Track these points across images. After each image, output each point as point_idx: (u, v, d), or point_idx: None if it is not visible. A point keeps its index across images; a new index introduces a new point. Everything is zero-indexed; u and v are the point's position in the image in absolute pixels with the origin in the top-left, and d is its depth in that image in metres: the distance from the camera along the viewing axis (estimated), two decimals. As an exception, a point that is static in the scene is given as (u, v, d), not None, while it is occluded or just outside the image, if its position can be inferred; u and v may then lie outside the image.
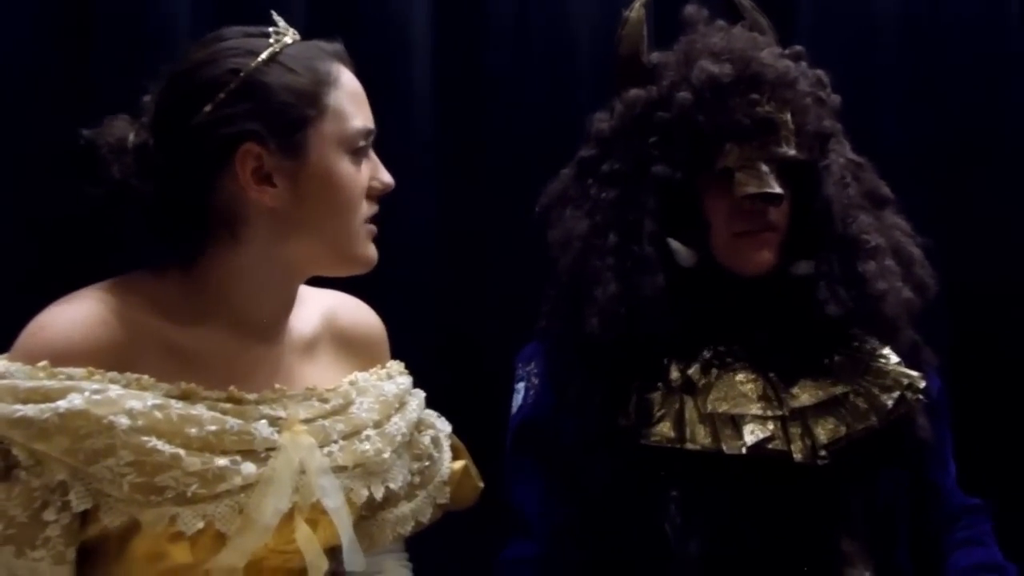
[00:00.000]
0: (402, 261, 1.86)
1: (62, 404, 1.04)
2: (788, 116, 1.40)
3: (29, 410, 1.04)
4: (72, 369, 1.07)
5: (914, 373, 1.42)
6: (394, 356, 1.41)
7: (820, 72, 1.51)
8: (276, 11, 1.77)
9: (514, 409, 1.54)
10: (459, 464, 1.42)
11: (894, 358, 1.44)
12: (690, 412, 1.38)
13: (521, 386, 1.54)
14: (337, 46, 1.22)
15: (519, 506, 1.50)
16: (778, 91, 1.40)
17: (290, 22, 1.24)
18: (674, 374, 1.40)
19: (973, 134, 2.14)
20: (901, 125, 2.11)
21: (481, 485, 1.44)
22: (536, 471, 1.49)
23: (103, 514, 1.08)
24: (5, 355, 1.11)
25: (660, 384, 1.40)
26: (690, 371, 1.40)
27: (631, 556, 1.38)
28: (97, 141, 1.19)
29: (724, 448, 1.35)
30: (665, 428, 1.37)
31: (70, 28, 1.78)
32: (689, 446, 1.36)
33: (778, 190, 1.37)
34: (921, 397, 1.42)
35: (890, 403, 1.40)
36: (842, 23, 2.13)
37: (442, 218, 1.98)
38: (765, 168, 1.38)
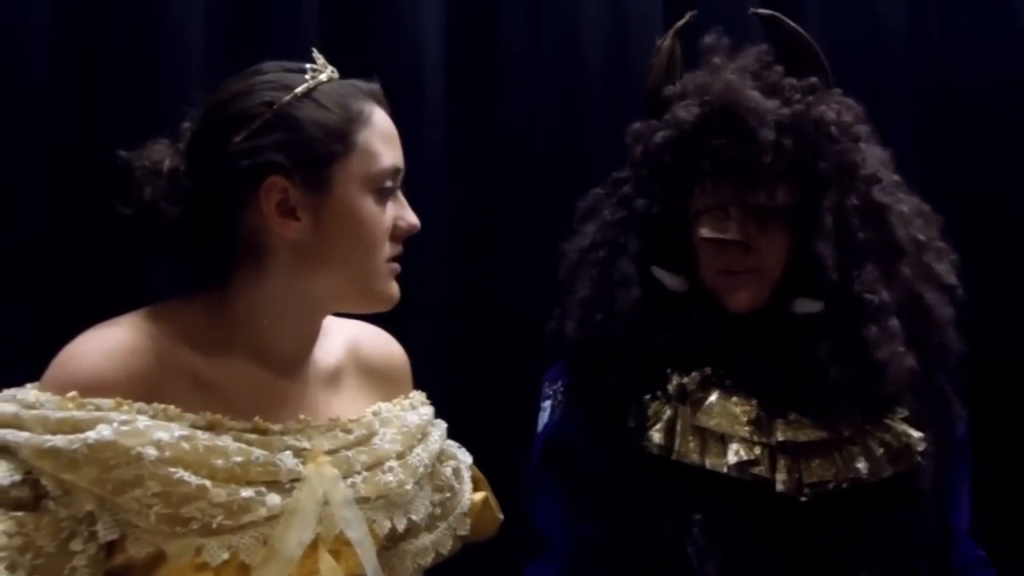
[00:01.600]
0: (423, 284, 1.88)
1: (91, 435, 1.05)
2: (769, 159, 1.36)
3: (59, 441, 1.05)
4: (101, 400, 1.08)
5: (916, 434, 1.38)
6: (417, 379, 1.42)
7: (827, 109, 1.40)
8: (289, 32, 1.84)
9: (540, 427, 1.55)
10: (479, 495, 1.42)
11: (903, 411, 1.40)
12: (682, 423, 1.39)
13: (547, 404, 1.55)
14: (374, 86, 1.23)
15: (541, 524, 1.51)
16: (754, 134, 1.35)
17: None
18: (673, 383, 1.42)
19: (986, 148, 2.15)
20: (913, 142, 2.11)
21: (501, 517, 1.45)
22: (559, 489, 1.50)
23: (129, 544, 1.08)
24: (35, 384, 1.12)
25: (660, 393, 1.42)
26: (686, 380, 1.41)
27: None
28: (133, 163, 1.20)
29: (707, 463, 1.36)
30: (657, 435, 1.39)
31: (84, 54, 1.81)
32: (676, 457, 1.37)
33: (734, 237, 1.37)
34: (920, 460, 1.38)
35: (884, 462, 1.36)
36: (850, 39, 2.14)
37: (461, 239, 2.00)
38: (732, 212, 1.38)
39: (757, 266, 1.40)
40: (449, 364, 1.92)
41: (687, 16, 1.52)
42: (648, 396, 1.42)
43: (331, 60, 1.24)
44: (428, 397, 1.42)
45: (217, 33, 1.86)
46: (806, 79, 1.43)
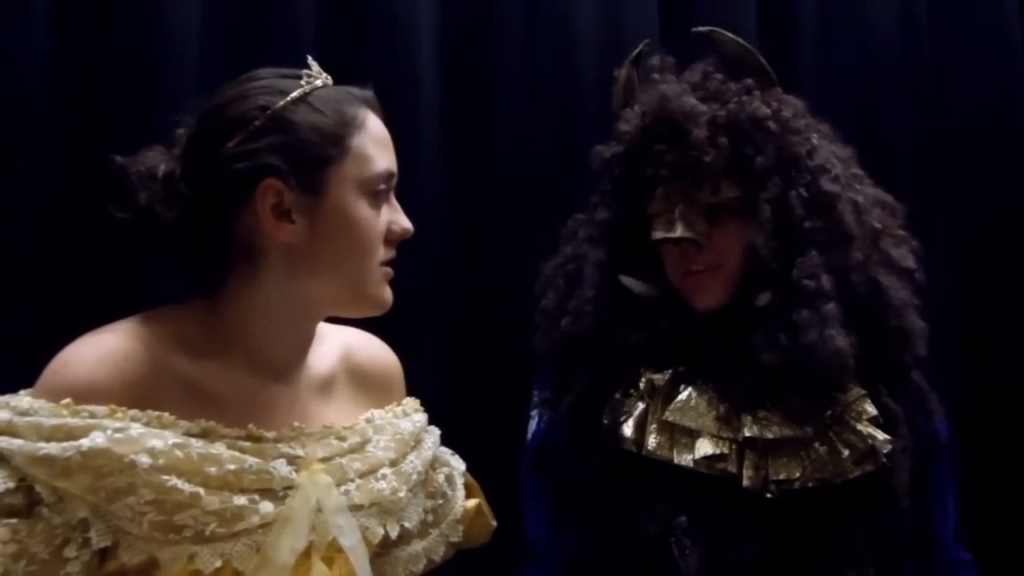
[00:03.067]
0: (418, 290, 1.89)
1: (85, 442, 1.05)
2: (709, 158, 1.40)
3: (52, 448, 1.05)
4: (95, 407, 1.08)
5: (881, 436, 1.38)
6: (412, 385, 1.42)
7: (760, 106, 1.43)
8: (285, 42, 1.84)
9: (529, 436, 1.56)
10: (472, 502, 1.43)
11: (870, 411, 1.40)
12: (652, 418, 1.41)
13: (536, 413, 1.56)
14: (368, 93, 1.24)
15: (531, 532, 1.51)
16: (691, 136, 1.41)
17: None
18: (643, 381, 1.44)
19: (980, 160, 2.17)
20: (907, 156, 2.14)
21: (494, 524, 1.45)
22: (548, 497, 1.50)
23: (122, 552, 1.08)
24: (29, 391, 1.12)
25: (633, 391, 1.44)
26: (655, 377, 1.44)
27: None
28: (128, 168, 1.21)
29: (674, 458, 1.37)
30: (628, 429, 1.41)
31: (83, 65, 1.81)
32: (646, 453, 1.38)
33: (681, 234, 1.41)
34: (885, 461, 1.37)
35: (848, 464, 1.36)
36: (842, 57, 2.17)
37: (456, 246, 2.00)
38: (680, 212, 1.42)
39: (717, 262, 1.43)
40: (444, 371, 1.92)
41: (640, 45, 1.57)
42: (620, 395, 1.44)
43: (327, 68, 1.25)
44: (422, 404, 1.42)
45: (214, 42, 1.86)
46: (742, 81, 1.47)
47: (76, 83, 1.79)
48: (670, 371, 1.44)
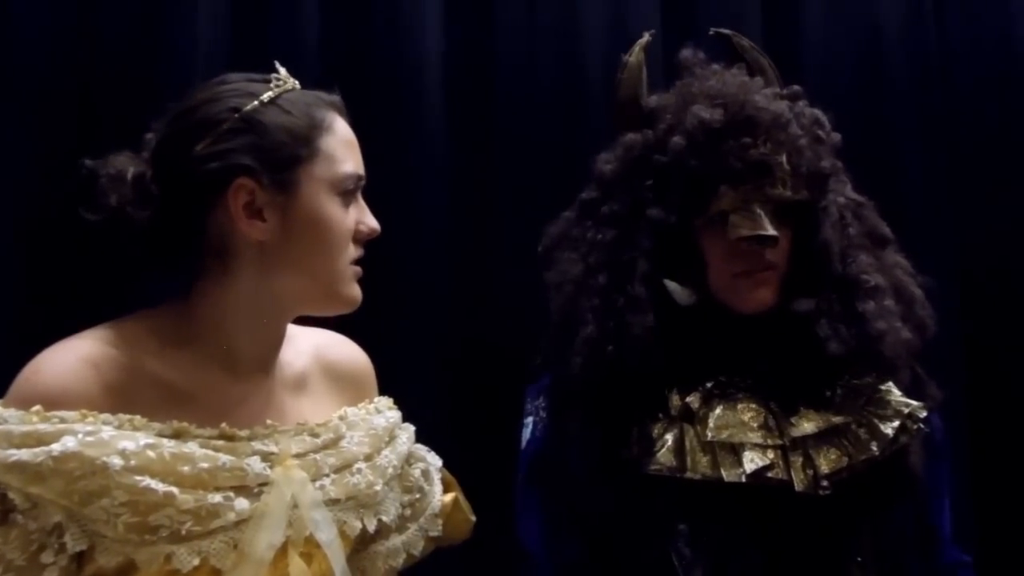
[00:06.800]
0: (414, 291, 1.90)
1: (56, 447, 1.06)
2: (783, 157, 1.41)
3: (24, 454, 1.05)
4: (65, 412, 1.09)
5: (915, 403, 1.43)
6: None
7: (818, 112, 1.50)
8: (286, 47, 1.83)
9: (523, 443, 1.55)
10: (449, 497, 1.43)
11: (896, 390, 1.44)
12: (690, 440, 1.39)
13: (530, 420, 1.55)
14: (335, 97, 1.28)
15: (527, 540, 1.51)
16: (772, 133, 1.41)
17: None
18: (674, 403, 1.42)
19: (987, 161, 2.20)
20: (913, 155, 2.16)
21: (473, 519, 1.45)
22: (545, 505, 1.50)
23: (99, 554, 1.09)
24: (0, 400, 1.13)
25: (661, 414, 1.42)
26: (689, 399, 1.42)
27: None
28: (98, 170, 1.22)
29: (724, 476, 1.36)
30: (666, 457, 1.38)
31: (78, 68, 1.82)
32: (689, 475, 1.37)
33: (772, 232, 1.39)
34: (922, 426, 1.42)
35: (891, 432, 1.40)
36: (848, 45, 2.20)
37: (453, 250, 2.01)
38: (759, 210, 1.40)
39: (776, 261, 1.43)
40: (432, 367, 1.92)
41: (647, 35, 1.58)
42: (648, 419, 1.41)
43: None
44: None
45: (217, 50, 1.84)
46: (790, 87, 1.51)
47: (68, 79, 1.79)
48: (698, 391, 1.42)
